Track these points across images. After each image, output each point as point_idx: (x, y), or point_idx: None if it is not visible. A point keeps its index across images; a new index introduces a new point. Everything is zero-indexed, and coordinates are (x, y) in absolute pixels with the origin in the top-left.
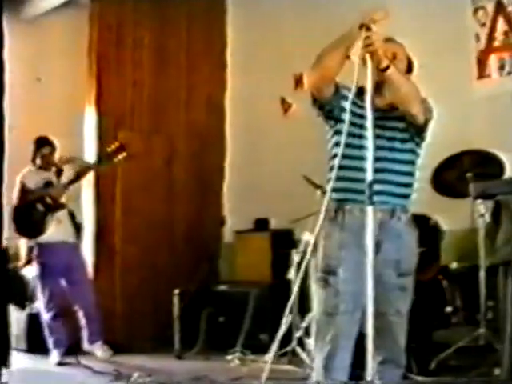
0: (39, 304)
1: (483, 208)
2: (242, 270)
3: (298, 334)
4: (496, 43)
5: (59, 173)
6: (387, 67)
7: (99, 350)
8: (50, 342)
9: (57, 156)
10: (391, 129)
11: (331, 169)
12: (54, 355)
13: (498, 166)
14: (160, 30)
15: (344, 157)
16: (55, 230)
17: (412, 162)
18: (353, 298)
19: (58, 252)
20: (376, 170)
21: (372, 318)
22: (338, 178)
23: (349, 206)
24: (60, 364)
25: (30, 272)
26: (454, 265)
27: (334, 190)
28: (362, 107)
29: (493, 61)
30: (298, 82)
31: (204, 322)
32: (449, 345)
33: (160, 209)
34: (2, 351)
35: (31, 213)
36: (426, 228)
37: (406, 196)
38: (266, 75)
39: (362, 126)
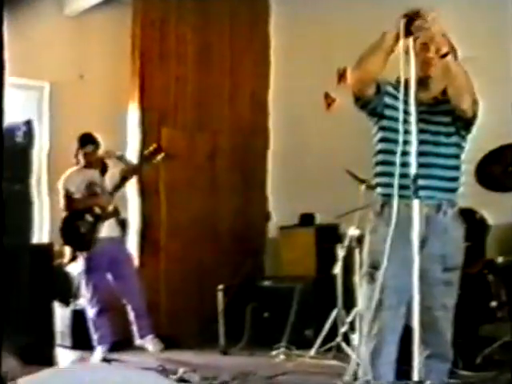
0: (84, 300)
1: None
2: (286, 265)
3: (343, 329)
4: None
5: (103, 171)
6: (446, 54)
7: (150, 343)
8: (95, 338)
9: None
10: (436, 123)
11: (376, 164)
12: (98, 351)
13: None
14: (203, 26)
15: (389, 152)
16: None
17: (457, 156)
18: (398, 292)
19: (103, 247)
20: (421, 165)
21: (418, 313)
22: (384, 174)
23: (394, 200)
24: (104, 360)
25: (75, 269)
26: (500, 259)
27: (380, 185)
28: (406, 102)
29: None
30: (342, 76)
31: (249, 318)
32: (494, 339)
33: (204, 204)
34: (46, 347)
35: (80, 225)
36: (472, 222)
37: (453, 190)
38: (309, 70)
39: (406, 121)
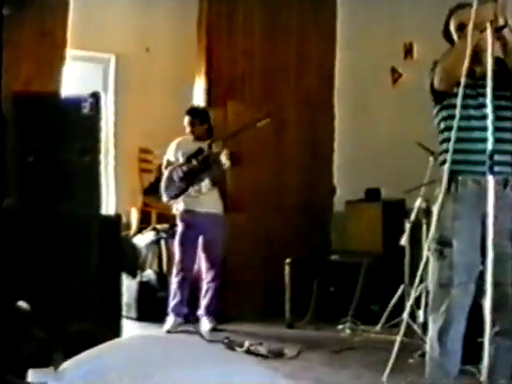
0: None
1: None
2: (353, 239)
3: (408, 305)
4: None
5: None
6: (504, 26)
7: (205, 323)
8: (171, 305)
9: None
10: (497, 97)
11: (443, 141)
12: (170, 320)
13: None
14: (270, 1)
15: (457, 130)
16: (201, 200)
17: None
18: (467, 269)
19: (202, 221)
20: (485, 140)
21: (491, 289)
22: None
23: (461, 177)
24: (169, 332)
25: (141, 241)
26: None
27: (448, 161)
28: (471, 77)
29: None
30: (408, 51)
31: (315, 291)
32: None
33: (270, 177)
34: (113, 319)
35: (174, 173)
36: None
37: None
38: (376, 45)
39: (470, 97)
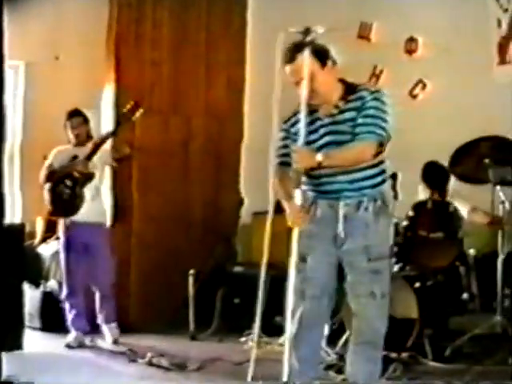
0: (59, 281)
1: (503, 195)
2: (259, 251)
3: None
4: None
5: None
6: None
7: (107, 331)
8: (69, 319)
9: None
10: (341, 132)
11: None
12: (72, 335)
13: None
14: (180, 9)
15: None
16: (84, 210)
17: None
18: (319, 284)
19: (83, 231)
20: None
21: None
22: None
23: (319, 200)
24: (68, 346)
25: (46, 250)
26: (472, 251)
27: (309, 190)
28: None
29: None
30: None
31: (219, 304)
32: (464, 332)
33: (177, 189)
34: (15, 329)
35: (61, 191)
36: (445, 214)
37: (373, 186)
38: None
39: (310, 137)
